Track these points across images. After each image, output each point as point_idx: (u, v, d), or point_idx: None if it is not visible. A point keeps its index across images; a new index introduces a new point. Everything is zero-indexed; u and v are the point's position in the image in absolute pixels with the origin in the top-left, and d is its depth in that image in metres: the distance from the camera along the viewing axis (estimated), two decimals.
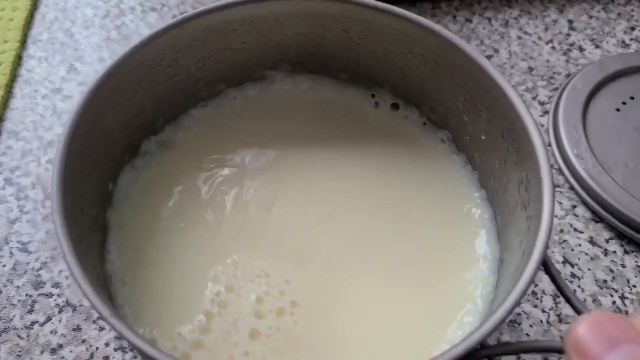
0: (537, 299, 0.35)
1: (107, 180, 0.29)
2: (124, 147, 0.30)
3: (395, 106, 0.33)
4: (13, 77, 0.43)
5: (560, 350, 0.21)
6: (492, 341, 0.33)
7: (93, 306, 0.21)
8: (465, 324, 0.26)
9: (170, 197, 0.30)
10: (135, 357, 0.32)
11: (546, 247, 0.22)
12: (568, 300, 0.23)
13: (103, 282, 0.27)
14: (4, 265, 0.35)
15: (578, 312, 0.22)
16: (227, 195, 0.30)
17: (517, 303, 0.21)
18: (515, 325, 0.34)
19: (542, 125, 0.42)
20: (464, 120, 0.30)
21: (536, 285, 0.35)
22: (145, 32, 0.28)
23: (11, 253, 0.35)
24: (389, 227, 0.29)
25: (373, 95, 0.33)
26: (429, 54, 0.29)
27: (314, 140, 0.32)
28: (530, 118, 0.25)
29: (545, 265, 0.23)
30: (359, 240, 0.29)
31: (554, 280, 0.23)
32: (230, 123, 0.33)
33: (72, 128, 0.24)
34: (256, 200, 0.30)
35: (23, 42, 0.45)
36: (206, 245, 0.29)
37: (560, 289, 0.23)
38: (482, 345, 0.21)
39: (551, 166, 0.24)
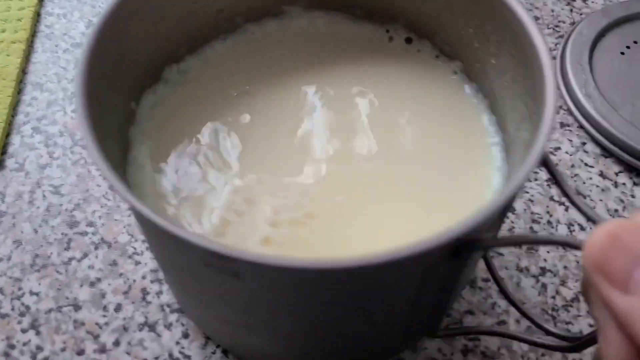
0: (553, 227, 0.36)
1: (129, 98, 0.29)
2: (147, 71, 0.30)
3: (408, 40, 0.34)
4: (33, 32, 0.43)
5: (570, 245, 0.20)
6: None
7: (116, 192, 0.21)
8: None
9: (194, 121, 0.31)
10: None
11: (547, 139, 0.23)
12: (570, 200, 0.23)
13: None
14: (37, 207, 0.36)
15: (580, 209, 0.23)
16: (251, 120, 0.31)
17: (518, 188, 0.21)
18: (533, 251, 0.35)
19: None
20: (475, 47, 0.31)
21: (551, 216, 0.37)
22: None
23: (44, 196, 0.36)
24: (406, 148, 0.31)
25: (387, 31, 0.35)
26: None
27: (331, 72, 0.33)
28: (532, 21, 0.26)
29: (546, 164, 0.24)
30: (378, 161, 0.30)
31: (554, 177, 0.24)
32: (250, 56, 0.34)
33: (94, 39, 0.25)
34: (280, 124, 0.31)
35: (41, 0, 0.45)
36: (229, 163, 0.30)
37: (560, 186, 0.24)
38: (476, 238, 0.22)
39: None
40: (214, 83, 0.32)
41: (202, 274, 0.24)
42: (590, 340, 0.24)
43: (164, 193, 0.28)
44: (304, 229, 0.28)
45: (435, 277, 0.24)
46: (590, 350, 0.28)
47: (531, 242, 0.23)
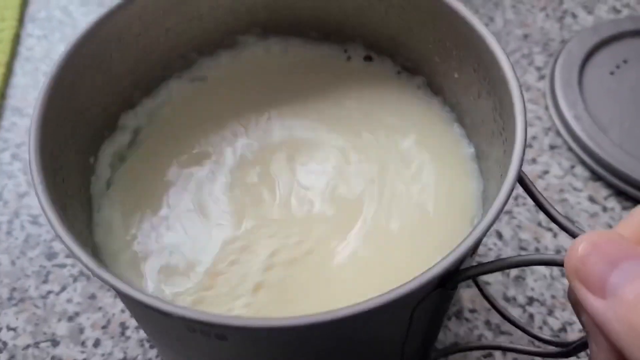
0: (541, 254, 0.36)
1: (87, 154, 0.29)
2: (103, 121, 0.29)
3: (368, 58, 0.33)
4: (13, 55, 0.43)
5: (556, 263, 0.20)
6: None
7: (78, 258, 0.20)
8: None
9: (156, 170, 0.30)
10: None
11: (522, 160, 0.22)
12: (546, 213, 0.22)
13: (96, 255, 0.26)
14: (16, 238, 0.35)
15: (557, 223, 0.22)
16: (216, 157, 0.30)
17: (496, 217, 0.21)
18: (521, 280, 0.35)
19: (539, 90, 0.43)
20: (436, 62, 0.30)
21: (539, 242, 0.36)
22: None
23: (22, 226, 0.35)
24: (376, 175, 0.30)
25: (345, 50, 0.34)
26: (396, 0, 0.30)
27: (291, 102, 0.32)
28: (493, 40, 0.25)
29: (522, 181, 0.23)
30: (352, 194, 0.29)
31: (531, 195, 0.23)
32: (207, 92, 0.32)
33: (46, 98, 0.24)
34: (244, 157, 0.30)
35: (21, 21, 0.45)
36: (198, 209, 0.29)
37: (539, 204, 0.23)
38: (457, 269, 0.21)
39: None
40: (173, 125, 0.31)
41: (186, 338, 0.23)
42: (581, 345, 0.24)
43: (135, 251, 0.27)
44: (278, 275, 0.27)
45: (424, 311, 0.24)
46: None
47: (516, 265, 0.23)
